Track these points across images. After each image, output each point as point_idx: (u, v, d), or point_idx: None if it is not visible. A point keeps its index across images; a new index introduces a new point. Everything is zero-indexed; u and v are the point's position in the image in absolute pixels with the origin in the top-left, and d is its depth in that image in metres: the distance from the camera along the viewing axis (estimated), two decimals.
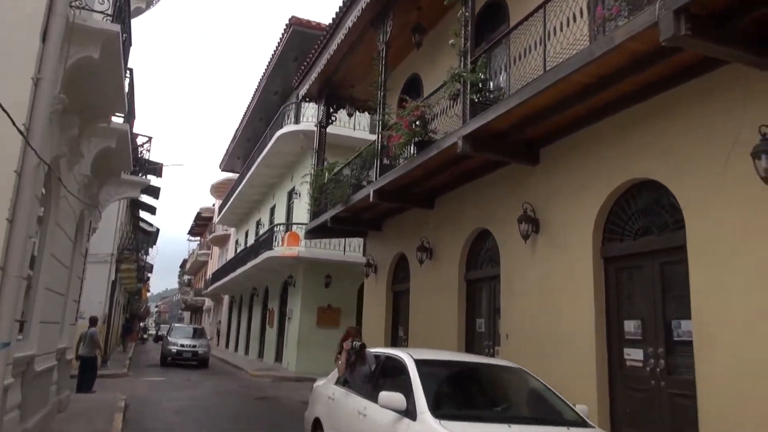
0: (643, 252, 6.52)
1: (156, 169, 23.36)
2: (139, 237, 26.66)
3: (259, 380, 17.67)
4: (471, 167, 9.32)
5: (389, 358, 5.90)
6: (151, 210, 25.46)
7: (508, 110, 7.02)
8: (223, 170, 37.12)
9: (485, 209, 9.42)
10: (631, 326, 6.58)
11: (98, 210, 11.47)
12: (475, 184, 9.70)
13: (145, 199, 25.60)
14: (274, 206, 25.87)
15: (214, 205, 49.56)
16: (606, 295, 6.87)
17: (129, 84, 10.06)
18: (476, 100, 7.94)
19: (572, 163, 7.48)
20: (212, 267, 45.70)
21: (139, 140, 13.96)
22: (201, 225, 54.24)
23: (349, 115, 15.84)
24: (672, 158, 6.08)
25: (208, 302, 46.89)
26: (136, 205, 25.06)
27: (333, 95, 14.98)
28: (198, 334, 24.06)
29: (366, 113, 19.36)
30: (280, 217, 23.48)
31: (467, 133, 7.68)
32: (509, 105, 6.99)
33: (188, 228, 59.28)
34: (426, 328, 10.92)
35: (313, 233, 14.71)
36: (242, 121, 28.77)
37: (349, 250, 19.64)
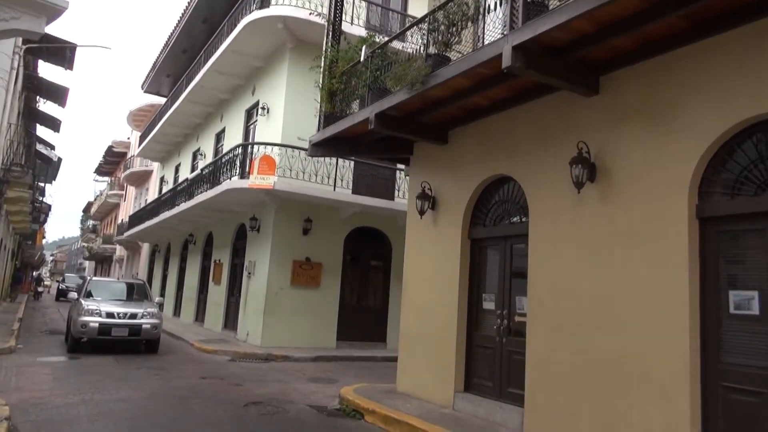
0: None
1: (58, 93, 16.86)
2: (36, 163, 20.03)
3: (213, 358, 12.56)
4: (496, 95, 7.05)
5: None
6: (53, 124, 18.99)
7: (581, 13, 4.95)
8: (146, 91, 30.24)
9: (507, 150, 7.35)
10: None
11: None
12: (499, 118, 7.52)
13: (46, 110, 19.07)
14: (223, 130, 20.11)
15: (129, 138, 42.26)
16: (702, 263, 5.09)
17: None
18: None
19: (657, 96, 5.56)
20: (126, 210, 38.79)
21: None
22: (112, 162, 46.56)
23: None
24: None
25: (120, 251, 39.99)
26: (32, 115, 18.50)
27: None
28: (137, 292, 14.21)
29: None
30: (232, 142, 17.86)
31: (519, 42, 5.47)
32: (580, 9, 4.93)
33: (95, 166, 51.08)
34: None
35: (323, 147, 9.62)
36: (178, 25, 22.42)
37: (341, 185, 14.62)
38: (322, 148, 9.69)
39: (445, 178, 8.52)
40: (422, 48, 7.39)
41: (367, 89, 8.39)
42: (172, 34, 23.30)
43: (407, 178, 14.40)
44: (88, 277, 15.48)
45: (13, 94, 12.79)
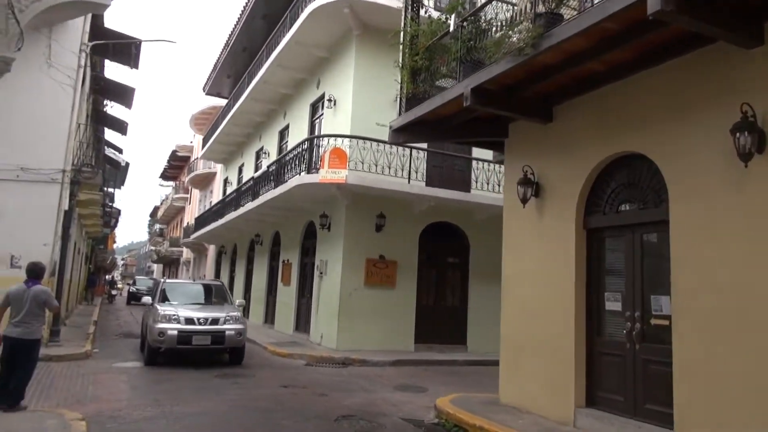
0: None
1: (125, 94, 16.72)
2: (105, 166, 20.09)
3: (288, 362, 11.93)
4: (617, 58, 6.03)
5: None
6: (120, 127, 18.95)
7: None
8: (207, 94, 30.28)
9: (634, 123, 6.25)
10: None
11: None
12: (621, 86, 6.42)
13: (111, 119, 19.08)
14: (287, 127, 19.60)
15: (191, 142, 42.86)
16: None
17: None
18: None
19: None
20: (191, 213, 39.28)
21: None
22: (176, 166, 47.41)
23: None
24: None
25: (186, 253, 40.56)
26: (100, 118, 18.51)
27: None
28: (216, 295, 12.79)
29: None
30: (296, 139, 17.24)
31: None
32: None
33: (160, 171, 52.29)
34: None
35: (406, 132, 8.72)
36: (238, 23, 22.13)
37: (415, 178, 13.72)
38: (404, 133, 8.79)
39: (550, 160, 7.46)
40: (528, 6, 6.37)
41: (458, 63, 7.43)
42: (232, 32, 23.05)
43: (495, 164, 13.33)
44: (162, 279, 14.08)
45: (81, 94, 12.55)
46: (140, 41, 12.63)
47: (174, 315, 10.52)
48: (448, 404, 7.60)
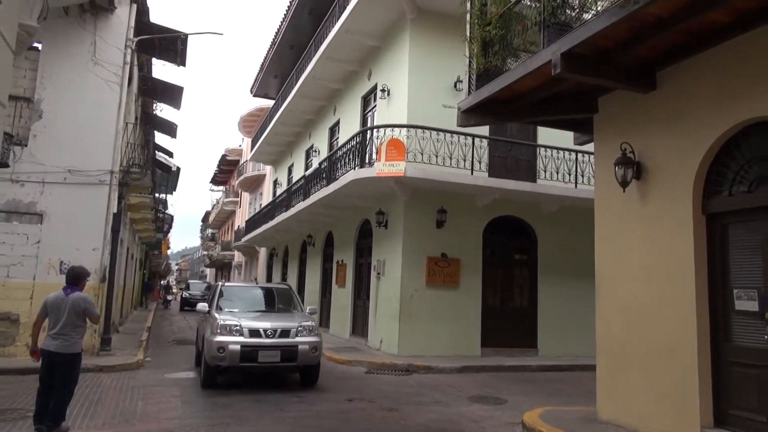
0: None
1: (173, 93, 16.33)
2: (155, 170, 19.82)
3: (348, 369, 11.12)
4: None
5: None
6: (170, 129, 18.63)
7: None
8: (255, 95, 30.00)
9: None
10: None
11: None
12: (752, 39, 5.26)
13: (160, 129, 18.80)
14: (337, 123, 18.88)
15: (240, 146, 42.97)
16: None
17: None
18: None
19: None
20: (242, 216, 39.27)
21: None
22: (226, 171, 47.72)
23: None
24: None
25: (238, 257, 40.59)
26: (149, 120, 18.24)
27: None
28: (282, 300, 10.71)
29: None
30: (347, 135, 16.43)
31: None
32: None
33: (210, 176, 52.79)
34: None
35: (477, 113, 7.74)
36: (284, 20, 21.58)
37: (478, 169, 12.69)
38: (474, 114, 7.81)
39: (654, 135, 6.35)
40: None
41: (541, 27, 6.41)
42: (278, 30, 22.54)
43: (564, 152, 12.10)
44: (219, 283, 11.83)
45: (128, 92, 12.10)
46: (186, 35, 12.09)
47: (236, 325, 8.59)
48: (539, 421, 6.59)
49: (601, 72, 6.21)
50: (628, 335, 6.45)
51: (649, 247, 6.26)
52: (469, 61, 7.84)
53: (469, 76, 7.86)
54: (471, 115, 7.83)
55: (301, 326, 8.91)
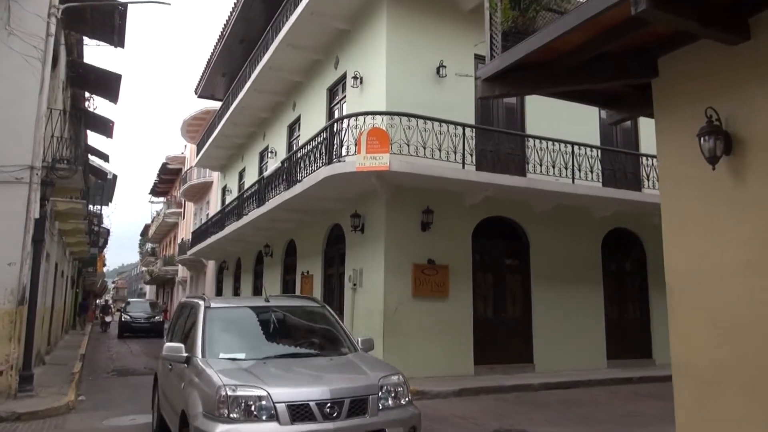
0: None
1: (108, 84, 13.95)
2: (87, 168, 17.36)
3: None
4: None
5: None
6: (105, 127, 16.32)
7: None
8: (200, 96, 27.77)
9: None
10: None
11: None
12: None
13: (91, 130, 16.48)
14: (298, 119, 17.08)
15: (183, 153, 40.31)
16: None
17: None
18: None
19: None
20: (186, 228, 36.60)
21: None
22: (167, 180, 44.76)
23: None
24: None
25: (182, 272, 37.75)
26: (80, 116, 15.87)
27: None
28: (318, 331, 6.19)
29: None
30: (310, 132, 14.59)
31: None
32: None
33: (149, 187, 49.55)
34: None
35: (503, 81, 6.23)
36: (233, 11, 19.74)
37: (470, 161, 11.23)
38: (500, 83, 6.29)
39: (746, 98, 4.99)
40: None
41: None
42: (227, 22, 20.64)
43: (559, 143, 10.55)
44: (198, 302, 5.98)
45: (54, 76, 10.00)
46: (126, 4, 10.08)
47: (260, 396, 4.37)
48: None
49: (690, 14, 4.81)
50: (721, 354, 5.03)
51: (748, 241, 4.88)
52: (491, 18, 6.35)
53: (491, 36, 6.34)
54: (496, 83, 6.30)
55: (383, 386, 4.85)
